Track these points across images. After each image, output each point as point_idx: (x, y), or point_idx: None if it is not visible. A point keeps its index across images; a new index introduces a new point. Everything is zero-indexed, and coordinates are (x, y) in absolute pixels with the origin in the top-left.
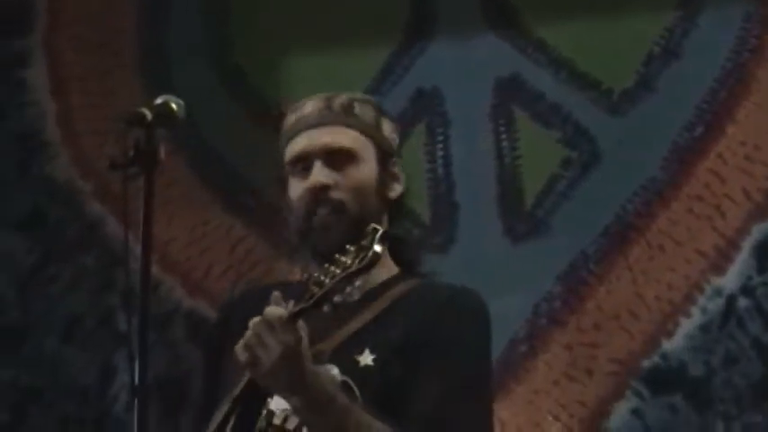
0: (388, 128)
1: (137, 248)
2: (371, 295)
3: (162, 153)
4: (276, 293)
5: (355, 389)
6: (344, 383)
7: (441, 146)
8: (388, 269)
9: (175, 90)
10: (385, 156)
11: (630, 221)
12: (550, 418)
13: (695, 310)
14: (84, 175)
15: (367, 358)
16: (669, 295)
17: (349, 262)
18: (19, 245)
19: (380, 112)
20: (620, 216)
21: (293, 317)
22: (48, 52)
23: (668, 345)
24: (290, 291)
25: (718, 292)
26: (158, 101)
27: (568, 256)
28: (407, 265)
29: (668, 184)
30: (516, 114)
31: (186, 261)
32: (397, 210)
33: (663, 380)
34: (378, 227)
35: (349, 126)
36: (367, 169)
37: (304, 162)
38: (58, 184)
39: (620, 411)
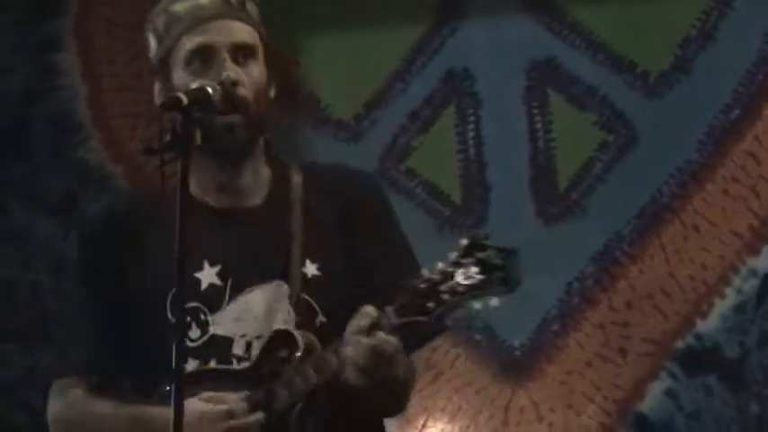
0: (258, 18)
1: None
2: (277, 200)
3: (198, 138)
4: None
5: (314, 304)
6: (304, 301)
7: (472, 127)
8: (266, 168)
9: None
10: (267, 54)
11: (666, 203)
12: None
13: (730, 291)
14: (116, 158)
15: (311, 269)
16: (703, 276)
17: (463, 282)
18: (54, 230)
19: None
20: (656, 197)
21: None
22: (78, 35)
23: (702, 325)
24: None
25: (753, 272)
26: (194, 85)
27: (602, 237)
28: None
29: (704, 166)
30: (551, 96)
31: None
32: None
33: (697, 361)
34: (511, 249)
35: (244, 21)
36: (261, 67)
37: (205, 54)
38: (90, 167)
39: (655, 392)
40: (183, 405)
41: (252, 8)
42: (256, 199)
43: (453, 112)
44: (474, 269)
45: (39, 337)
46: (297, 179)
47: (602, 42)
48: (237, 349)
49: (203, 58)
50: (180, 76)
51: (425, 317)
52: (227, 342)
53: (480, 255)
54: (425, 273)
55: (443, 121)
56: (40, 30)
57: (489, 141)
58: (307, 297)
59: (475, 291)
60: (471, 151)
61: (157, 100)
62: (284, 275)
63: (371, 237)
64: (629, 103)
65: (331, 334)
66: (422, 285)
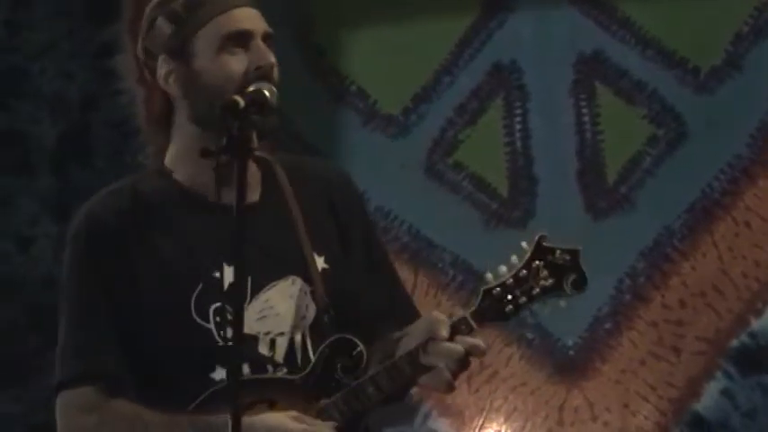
0: None
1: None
2: (272, 195)
3: (255, 140)
4: None
5: (326, 298)
6: (320, 296)
7: (519, 120)
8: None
9: None
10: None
11: (716, 198)
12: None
13: None
14: None
15: (320, 263)
16: (756, 273)
17: (537, 285)
18: None
19: None
20: (706, 193)
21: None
22: (133, 38)
23: (757, 323)
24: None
25: None
26: (251, 88)
27: (652, 232)
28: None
29: (755, 162)
30: (598, 90)
31: None
32: None
33: (752, 359)
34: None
35: (258, 11)
36: None
37: (241, 39)
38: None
39: (711, 392)
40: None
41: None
42: (254, 194)
43: (501, 105)
44: (545, 272)
45: None
46: (281, 172)
47: (652, 37)
48: (263, 348)
49: (239, 43)
50: (209, 59)
51: (504, 320)
52: (254, 340)
53: (549, 257)
54: (496, 275)
55: (491, 114)
56: (98, 35)
57: (536, 134)
58: (320, 292)
59: (550, 294)
60: (518, 144)
61: (163, 83)
62: (298, 271)
63: (363, 249)
64: (679, 97)
65: (338, 326)
66: (496, 290)
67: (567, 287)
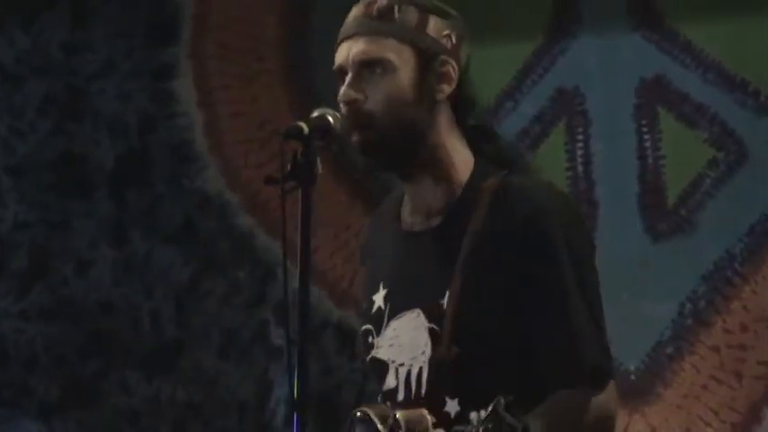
0: (436, 27)
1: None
2: (453, 222)
3: (319, 167)
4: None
5: (444, 335)
6: (431, 330)
7: (581, 144)
8: (463, 169)
9: (318, 95)
10: (429, 58)
11: None
12: (702, 424)
13: None
14: (232, 186)
15: (445, 300)
16: None
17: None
18: (174, 259)
19: (427, 11)
20: (767, 215)
21: None
22: (193, 62)
23: None
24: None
25: None
26: (315, 114)
27: (713, 255)
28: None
29: None
30: (660, 114)
31: (332, 270)
32: (459, 105)
33: None
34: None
35: (384, 34)
36: (402, 77)
37: (343, 75)
38: (209, 195)
39: None
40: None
41: (404, 14)
42: (436, 219)
43: (563, 130)
44: None
45: (159, 366)
46: (487, 194)
47: (713, 61)
48: (390, 378)
49: (340, 77)
50: None
51: None
52: (384, 367)
53: (501, 427)
54: (471, 422)
55: (553, 138)
56: (156, 57)
57: (598, 159)
58: (436, 327)
59: None
60: (580, 169)
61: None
62: (424, 304)
63: (527, 287)
64: (739, 120)
65: (466, 364)
66: None
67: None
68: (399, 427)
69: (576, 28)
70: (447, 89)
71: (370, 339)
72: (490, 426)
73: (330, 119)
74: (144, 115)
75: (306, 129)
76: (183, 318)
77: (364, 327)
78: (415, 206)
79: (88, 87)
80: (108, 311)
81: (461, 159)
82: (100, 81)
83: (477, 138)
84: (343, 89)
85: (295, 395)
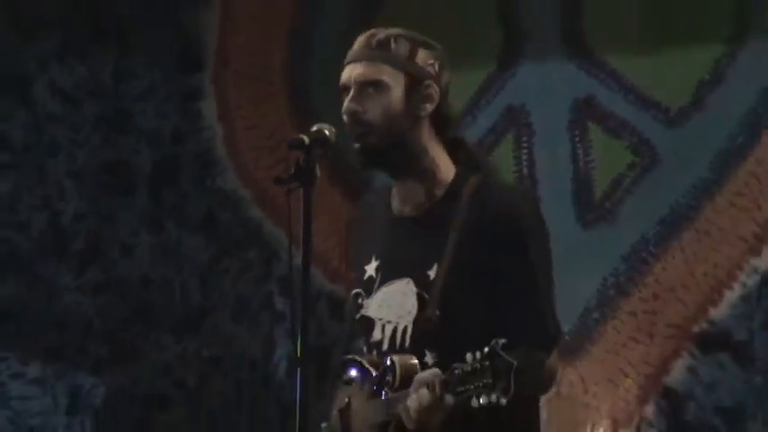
0: (423, 57)
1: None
2: (439, 212)
3: (318, 171)
4: None
5: (429, 300)
6: (420, 296)
7: (525, 151)
8: (446, 172)
9: (316, 112)
10: (415, 82)
11: (683, 212)
12: (622, 375)
13: (736, 285)
14: (246, 185)
15: (432, 272)
16: (715, 272)
17: (480, 383)
18: (199, 243)
19: (416, 44)
20: (674, 208)
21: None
22: (216, 87)
23: (715, 313)
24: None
25: (755, 270)
26: (314, 128)
27: (631, 239)
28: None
29: (714, 183)
30: (590, 127)
31: (326, 251)
32: (439, 121)
33: (711, 342)
34: (509, 361)
35: (381, 60)
36: (393, 96)
37: (346, 90)
38: (226, 193)
39: (678, 369)
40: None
41: (398, 46)
42: (424, 207)
43: (511, 140)
44: (488, 373)
45: (187, 329)
46: (469, 189)
47: (633, 85)
48: (377, 332)
49: (344, 93)
50: None
51: (455, 397)
52: (372, 323)
53: (496, 364)
54: (467, 360)
55: (503, 147)
56: (187, 83)
57: (539, 163)
58: (424, 294)
59: (484, 392)
60: (525, 171)
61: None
62: (413, 275)
63: (505, 269)
64: (653, 132)
65: (445, 325)
66: (458, 371)
67: (496, 392)
68: (394, 368)
69: (522, 58)
70: (429, 108)
71: (360, 300)
72: (487, 363)
73: (327, 132)
74: (176, 129)
75: (307, 140)
76: (206, 290)
77: (355, 290)
78: (403, 198)
79: (132, 108)
80: (147, 286)
81: (443, 164)
82: (141, 103)
83: (454, 147)
84: (346, 103)
85: (298, 352)
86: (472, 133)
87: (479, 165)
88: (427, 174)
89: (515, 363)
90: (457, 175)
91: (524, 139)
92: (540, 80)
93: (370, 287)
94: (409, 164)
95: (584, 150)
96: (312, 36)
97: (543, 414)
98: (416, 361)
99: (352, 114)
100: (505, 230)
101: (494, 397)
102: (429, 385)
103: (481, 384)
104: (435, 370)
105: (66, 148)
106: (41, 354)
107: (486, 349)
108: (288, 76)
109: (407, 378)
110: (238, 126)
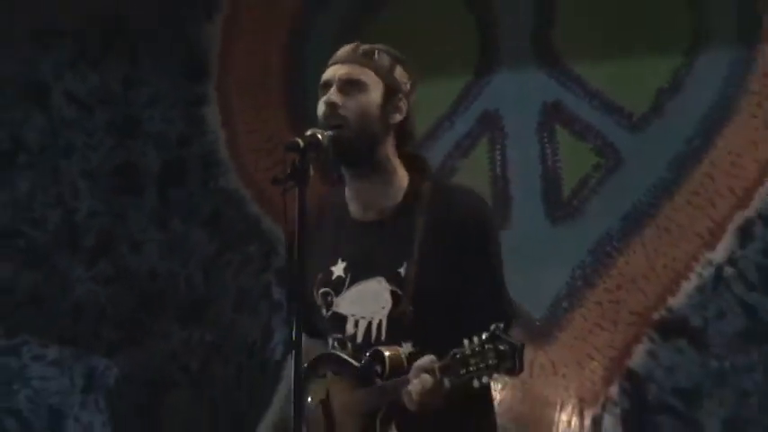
0: (400, 73)
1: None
2: (402, 214)
3: (311, 172)
4: None
5: (403, 296)
6: (393, 292)
7: (499, 153)
8: (402, 179)
9: (311, 117)
10: (391, 92)
11: (644, 210)
12: (589, 359)
13: (693, 276)
14: (246, 185)
15: (403, 270)
16: (673, 265)
17: (484, 363)
18: (203, 239)
19: (397, 61)
20: (636, 206)
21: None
22: (219, 94)
23: (673, 301)
24: (335, 203)
25: (710, 262)
26: (308, 132)
27: (597, 235)
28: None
29: (673, 183)
30: (558, 130)
31: None
32: (401, 134)
33: (670, 328)
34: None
35: (364, 65)
36: (372, 98)
37: (327, 87)
38: (228, 192)
39: (640, 353)
40: (302, 375)
41: (381, 58)
42: (386, 211)
43: (486, 143)
44: (492, 354)
45: (192, 317)
46: (426, 193)
47: (597, 91)
48: (350, 327)
49: (324, 89)
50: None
51: (458, 379)
52: (343, 319)
53: (499, 346)
54: (465, 345)
55: (479, 149)
56: (193, 90)
57: (512, 164)
58: (398, 290)
59: (491, 371)
60: (498, 171)
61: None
62: (385, 273)
63: (472, 263)
64: (617, 136)
65: (419, 317)
66: (459, 355)
67: (502, 370)
68: (382, 358)
69: (497, 67)
70: (398, 118)
71: (329, 299)
72: (489, 345)
73: (320, 136)
74: (182, 134)
75: (302, 143)
76: (209, 282)
77: (323, 290)
78: (362, 202)
79: (141, 114)
80: (154, 277)
81: (401, 172)
82: (149, 109)
83: (409, 161)
84: (327, 94)
85: (294, 337)
86: (451, 136)
87: (429, 173)
88: (387, 179)
89: (522, 343)
90: (411, 180)
91: (498, 141)
92: (513, 87)
93: (339, 287)
94: (373, 166)
95: (552, 152)
96: (306, 50)
97: (518, 394)
98: (402, 351)
99: (332, 106)
100: (473, 230)
101: (497, 376)
102: (430, 371)
103: (484, 366)
104: (432, 357)
105: (79, 150)
106: (59, 338)
107: (486, 334)
108: (285, 86)
109: (397, 367)
110: (240, 131)
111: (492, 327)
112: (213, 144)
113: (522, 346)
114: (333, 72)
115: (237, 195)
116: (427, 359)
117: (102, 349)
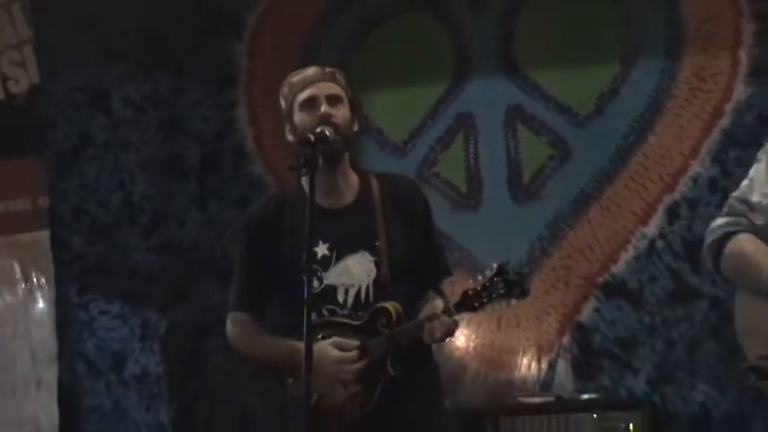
0: (351, 91)
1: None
2: (363, 200)
3: (320, 161)
4: None
5: (383, 266)
6: (376, 262)
7: (472, 146)
8: (353, 175)
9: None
10: (353, 106)
11: (590, 193)
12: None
13: (630, 248)
14: (269, 172)
15: (383, 243)
16: (615, 238)
17: (496, 292)
18: (235, 217)
19: (346, 82)
20: (584, 189)
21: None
22: (247, 98)
23: (614, 268)
24: (289, 196)
25: (644, 236)
26: (317, 129)
27: (552, 213)
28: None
29: (613, 171)
30: (519, 128)
31: None
32: (352, 144)
33: (612, 290)
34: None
35: (335, 83)
36: (346, 110)
37: (313, 102)
38: (255, 177)
39: (588, 310)
40: (311, 346)
41: (341, 78)
42: (348, 198)
43: (462, 138)
44: (501, 284)
45: (227, 281)
46: (375, 184)
47: (551, 95)
48: (340, 296)
49: (311, 104)
50: (299, 117)
51: (473, 312)
52: (334, 290)
53: (506, 276)
54: (473, 282)
55: (456, 144)
56: (225, 95)
57: (483, 155)
58: (378, 260)
59: (503, 298)
60: (472, 162)
61: (288, 136)
62: (367, 247)
63: (422, 232)
64: (567, 131)
65: (395, 281)
66: (471, 291)
67: (513, 296)
68: (387, 311)
69: (470, 75)
70: (357, 125)
71: (318, 274)
72: (498, 278)
73: (327, 133)
74: (217, 131)
75: (312, 138)
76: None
77: (313, 267)
78: (328, 191)
79: (185, 115)
80: (196, 248)
81: (353, 170)
82: (191, 111)
83: (353, 165)
84: (323, 108)
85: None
86: (433, 134)
87: (368, 171)
88: (348, 174)
89: (526, 269)
90: (360, 175)
91: (471, 137)
92: (483, 93)
93: (326, 264)
94: (343, 164)
95: (515, 145)
96: (317, 61)
97: (487, 342)
98: (396, 304)
99: (329, 116)
100: (418, 205)
101: (511, 301)
102: (447, 310)
103: (494, 295)
104: (439, 301)
105: (134, 144)
106: (120, 296)
107: (492, 270)
108: None
109: (400, 315)
110: (263, 128)
111: (500, 263)
112: (242, 139)
113: (528, 272)
114: (316, 90)
115: (262, 181)
116: (439, 302)
117: (155, 305)
